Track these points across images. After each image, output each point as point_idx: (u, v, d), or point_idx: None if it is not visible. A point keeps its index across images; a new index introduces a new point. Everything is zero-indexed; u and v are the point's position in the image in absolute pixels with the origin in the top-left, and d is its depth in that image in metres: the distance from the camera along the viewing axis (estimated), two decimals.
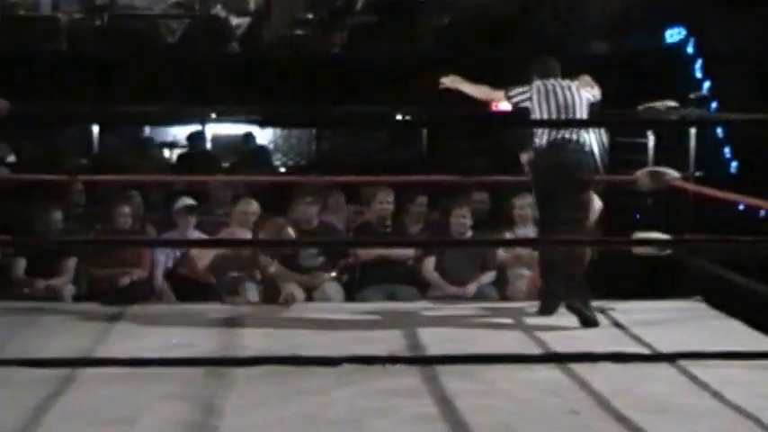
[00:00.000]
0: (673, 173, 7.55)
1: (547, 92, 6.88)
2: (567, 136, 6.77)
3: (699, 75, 11.25)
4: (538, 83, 6.95)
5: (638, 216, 10.18)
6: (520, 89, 6.96)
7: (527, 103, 6.90)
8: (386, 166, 10.50)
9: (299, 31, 13.38)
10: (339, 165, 11.40)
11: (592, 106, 6.96)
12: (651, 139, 9.51)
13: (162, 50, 12.81)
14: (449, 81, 7.17)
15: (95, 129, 12.77)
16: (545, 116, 6.84)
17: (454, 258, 8.23)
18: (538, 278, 7.78)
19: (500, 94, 7.09)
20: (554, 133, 6.76)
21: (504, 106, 7.33)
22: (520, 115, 7.03)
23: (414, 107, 8.82)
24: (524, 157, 7.73)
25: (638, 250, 7.29)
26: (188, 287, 8.06)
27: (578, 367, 5.40)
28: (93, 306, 7.24)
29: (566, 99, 6.85)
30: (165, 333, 6.36)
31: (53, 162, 10.84)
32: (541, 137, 6.81)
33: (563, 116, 6.83)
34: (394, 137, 13.78)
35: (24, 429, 4.49)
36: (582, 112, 6.87)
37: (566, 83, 6.97)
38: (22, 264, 8.06)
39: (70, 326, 6.57)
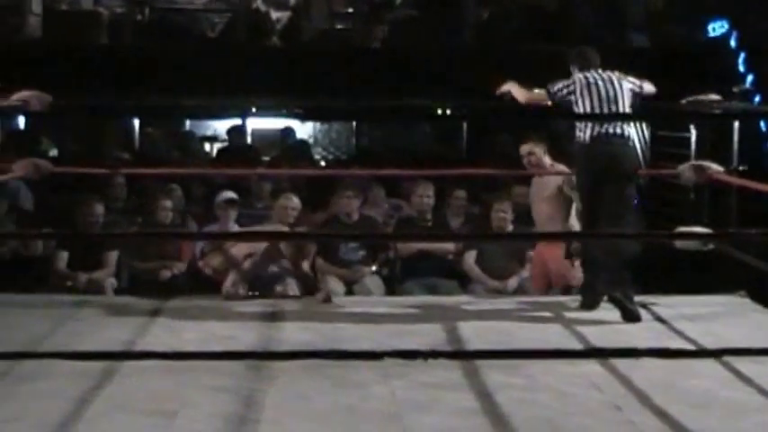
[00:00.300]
0: (716, 167, 7.48)
1: (589, 84, 6.81)
2: (611, 130, 6.68)
3: (742, 68, 11.13)
4: (579, 75, 6.89)
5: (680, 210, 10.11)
6: (562, 83, 6.90)
7: (570, 97, 6.84)
8: (426, 161, 10.48)
9: (339, 25, 13.39)
10: (379, 159, 11.39)
11: (634, 97, 6.89)
12: (694, 133, 9.45)
13: (202, 44, 12.84)
14: (507, 87, 7.11)
15: (136, 123, 12.83)
16: (588, 110, 6.77)
17: (495, 252, 8.22)
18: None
19: (543, 94, 7.00)
20: (597, 127, 6.68)
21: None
22: (562, 109, 6.98)
23: (455, 101, 8.78)
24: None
25: (681, 244, 7.23)
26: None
27: (620, 362, 5.37)
28: (134, 299, 7.26)
29: (608, 92, 6.78)
30: (205, 326, 6.37)
31: (95, 156, 10.88)
32: (584, 131, 6.73)
33: (606, 109, 6.76)
34: (435, 131, 13.76)
35: (67, 421, 4.51)
36: (625, 105, 6.79)
37: (606, 75, 6.89)
38: (64, 257, 8.13)
39: (112, 319, 6.60)
